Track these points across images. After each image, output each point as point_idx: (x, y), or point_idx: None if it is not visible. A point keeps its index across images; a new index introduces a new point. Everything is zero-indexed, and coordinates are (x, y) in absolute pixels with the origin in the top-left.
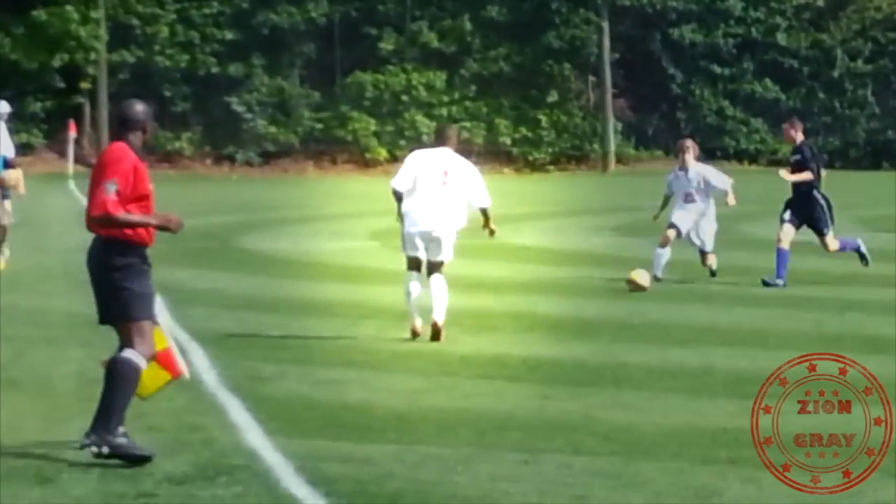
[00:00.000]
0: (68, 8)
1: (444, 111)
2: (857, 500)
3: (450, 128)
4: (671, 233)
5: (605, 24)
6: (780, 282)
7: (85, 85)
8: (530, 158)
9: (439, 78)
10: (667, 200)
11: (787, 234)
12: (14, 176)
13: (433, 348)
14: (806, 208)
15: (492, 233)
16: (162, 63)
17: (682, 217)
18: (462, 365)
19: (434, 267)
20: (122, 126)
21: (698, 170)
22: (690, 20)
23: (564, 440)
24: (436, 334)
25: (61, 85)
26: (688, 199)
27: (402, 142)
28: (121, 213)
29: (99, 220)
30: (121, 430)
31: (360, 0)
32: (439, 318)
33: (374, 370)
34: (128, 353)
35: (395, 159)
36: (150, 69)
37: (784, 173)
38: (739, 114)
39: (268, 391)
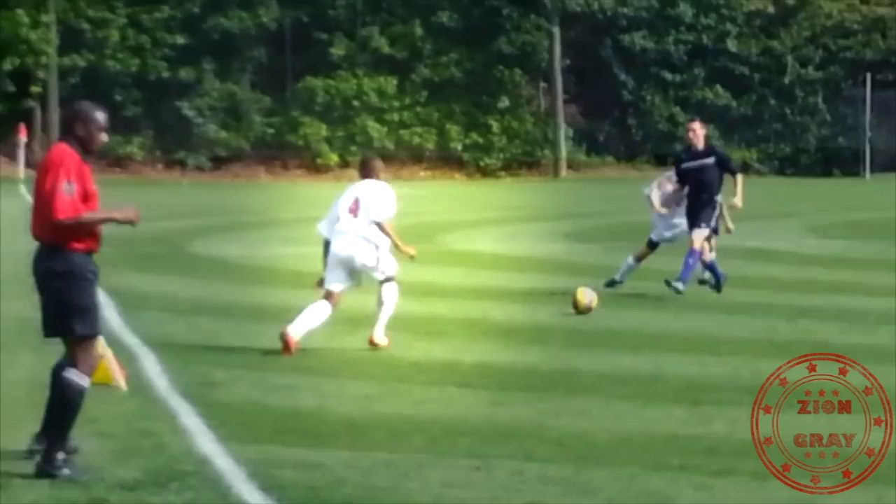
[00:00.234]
0: (19, 12)
1: (396, 116)
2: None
3: (373, 159)
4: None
5: (556, 30)
6: (680, 285)
7: (35, 89)
8: (482, 164)
9: (390, 83)
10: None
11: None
12: None
13: (385, 355)
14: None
15: (411, 257)
16: (113, 67)
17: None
18: (414, 371)
19: (383, 282)
20: (65, 128)
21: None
22: (641, 27)
23: (516, 446)
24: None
25: (11, 89)
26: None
27: (354, 147)
28: (86, 213)
29: (67, 223)
30: (61, 456)
31: (311, 5)
32: (378, 334)
33: (326, 376)
34: (72, 375)
35: (346, 165)
36: (101, 73)
37: (738, 201)
38: None
39: (219, 397)
